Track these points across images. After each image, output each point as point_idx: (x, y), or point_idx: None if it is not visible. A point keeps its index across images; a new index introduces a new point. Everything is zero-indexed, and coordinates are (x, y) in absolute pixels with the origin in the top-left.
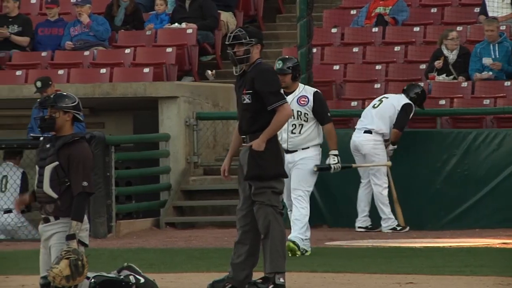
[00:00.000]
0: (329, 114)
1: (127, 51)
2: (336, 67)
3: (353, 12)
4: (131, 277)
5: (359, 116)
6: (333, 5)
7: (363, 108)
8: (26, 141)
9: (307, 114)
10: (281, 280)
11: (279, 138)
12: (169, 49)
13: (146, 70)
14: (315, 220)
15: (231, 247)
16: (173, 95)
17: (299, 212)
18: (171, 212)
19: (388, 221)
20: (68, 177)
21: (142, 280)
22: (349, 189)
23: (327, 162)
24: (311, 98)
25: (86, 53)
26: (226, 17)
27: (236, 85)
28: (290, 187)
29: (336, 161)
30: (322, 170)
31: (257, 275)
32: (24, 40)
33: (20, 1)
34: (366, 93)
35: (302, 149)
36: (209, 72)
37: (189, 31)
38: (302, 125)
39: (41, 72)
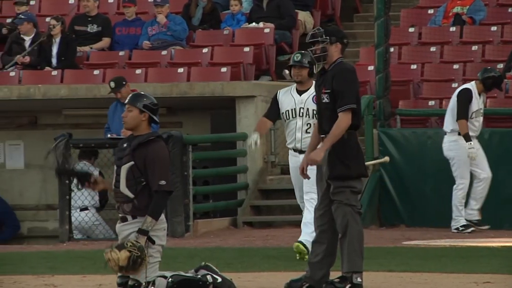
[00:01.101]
0: None
1: (205, 50)
2: (414, 67)
3: (430, 11)
4: (209, 277)
5: (436, 115)
6: (411, 4)
7: (441, 107)
8: (104, 140)
9: None
10: (359, 279)
11: (293, 138)
12: (246, 49)
13: (223, 69)
14: (392, 219)
15: None
16: (250, 94)
17: (311, 215)
18: (248, 211)
19: (457, 221)
20: (144, 177)
21: (219, 279)
22: (426, 188)
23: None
24: None
25: (164, 52)
26: (303, 16)
27: (316, 84)
28: (302, 188)
29: None
30: None
31: (334, 274)
32: (104, 44)
33: (99, 0)
34: (443, 93)
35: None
36: (287, 71)
37: (267, 30)
38: None
39: (118, 72)
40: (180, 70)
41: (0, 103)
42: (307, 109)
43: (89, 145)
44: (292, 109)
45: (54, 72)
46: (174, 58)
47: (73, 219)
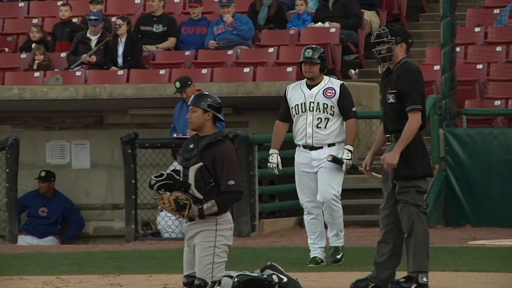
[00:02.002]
0: (354, 109)
1: (271, 50)
2: (479, 66)
3: (496, 11)
4: (274, 276)
5: (502, 115)
6: (477, 4)
7: (506, 107)
8: (169, 140)
9: (333, 107)
10: (424, 279)
11: (303, 134)
12: None
13: (289, 69)
14: (458, 219)
15: (374, 246)
16: None
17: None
18: None
19: None
20: (213, 178)
21: (285, 279)
22: (492, 188)
23: (340, 155)
24: (337, 90)
25: (230, 52)
26: (369, 16)
27: (381, 84)
28: (309, 186)
29: (350, 157)
30: (335, 161)
31: (400, 274)
32: (170, 43)
33: (164, 0)
34: (509, 92)
35: (328, 145)
36: (352, 71)
37: (332, 30)
38: (328, 119)
39: (184, 71)
40: (246, 69)
41: (66, 103)
42: (318, 103)
43: (155, 145)
44: (302, 104)
45: (120, 72)
46: (240, 57)
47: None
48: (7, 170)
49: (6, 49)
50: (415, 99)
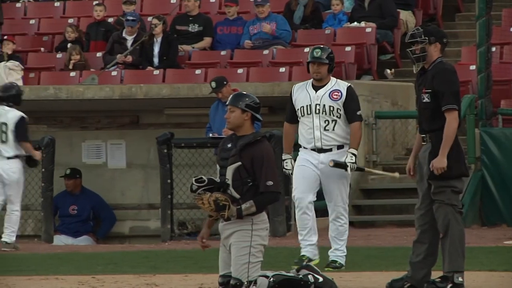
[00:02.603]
0: (359, 113)
1: (306, 50)
2: None
3: None
4: (310, 276)
5: None
6: None
7: None
8: (205, 140)
9: (340, 110)
10: (460, 279)
11: (311, 137)
12: (348, 48)
13: None
14: (494, 219)
15: (410, 246)
16: None
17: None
18: (350, 211)
19: None
20: (251, 178)
21: (321, 279)
22: None
23: (343, 159)
24: (344, 92)
25: (265, 52)
26: (405, 16)
27: (416, 83)
28: (308, 178)
29: (353, 160)
30: (338, 166)
31: (435, 274)
32: (206, 43)
33: (200, 0)
34: None
35: (338, 147)
36: (388, 71)
37: (368, 30)
38: (336, 121)
39: (220, 71)
40: (282, 69)
41: (102, 103)
42: (323, 105)
43: (191, 144)
44: (307, 106)
45: (156, 72)
46: (275, 57)
47: None
48: (43, 170)
49: (42, 49)
50: (450, 99)
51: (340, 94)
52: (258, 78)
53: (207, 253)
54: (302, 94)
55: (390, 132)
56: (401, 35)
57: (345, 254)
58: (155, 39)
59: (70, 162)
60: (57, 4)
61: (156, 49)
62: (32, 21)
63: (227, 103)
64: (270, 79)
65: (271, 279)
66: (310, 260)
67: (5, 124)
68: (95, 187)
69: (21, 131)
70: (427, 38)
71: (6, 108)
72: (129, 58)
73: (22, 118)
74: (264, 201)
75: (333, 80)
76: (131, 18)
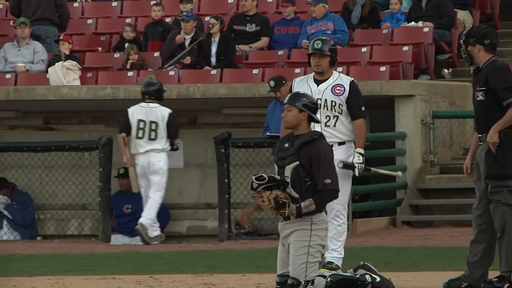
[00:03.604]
0: (363, 109)
1: (364, 49)
2: None
3: None
4: (367, 276)
5: None
6: None
7: None
8: (263, 139)
9: (342, 106)
10: None
11: None
12: (405, 48)
13: (382, 68)
14: None
15: (467, 246)
16: (409, 93)
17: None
18: (408, 210)
19: None
20: (309, 177)
21: (378, 279)
22: None
23: (350, 159)
24: (347, 87)
25: None
26: (462, 15)
27: (472, 82)
28: None
29: (361, 161)
30: (346, 167)
31: (492, 274)
32: (263, 43)
33: (257, 0)
34: None
35: (339, 144)
36: (446, 70)
37: (426, 29)
38: (337, 117)
39: (277, 71)
40: (339, 69)
41: None
42: (325, 100)
43: (248, 144)
44: None
45: (213, 71)
46: None
47: None
48: (100, 169)
49: (100, 49)
50: (508, 93)
51: (343, 89)
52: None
53: (265, 252)
54: (303, 88)
55: (447, 132)
56: (458, 35)
57: (342, 256)
58: (212, 39)
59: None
60: (114, 4)
61: (214, 49)
62: (89, 21)
63: (284, 101)
64: None
65: (329, 279)
66: (338, 267)
67: (155, 122)
68: None
69: (174, 129)
70: (468, 40)
71: (151, 105)
72: (188, 60)
73: (171, 115)
74: (323, 199)
75: (335, 74)
76: (185, 13)
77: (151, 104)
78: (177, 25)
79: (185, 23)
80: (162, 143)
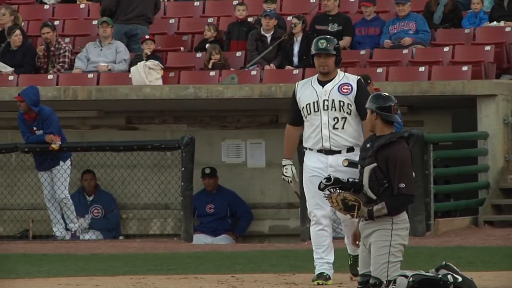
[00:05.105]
0: None
1: (446, 49)
2: None
3: None
4: (449, 276)
5: None
6: None
7: None
8: None
9: (350, 105)
10: None
11: (319, 136)
12: (487, 47)
13: (464, 68)
14: None
15: None
16: (491, 93)
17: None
18: (490, 210)
19: None
20: (387, 179)
21: (460, 279)
22: None
23: (357, 158)
24: (354, 86)
25: (405, 51)
26: None
27: None
28: (316, 196)
29: None
30: (351, 166)
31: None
32: (345, 43)
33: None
34: None
35: (347, 150)
36: None
37: (508, 29)
38: (345, 118)
39: (359, 71)
40: (421, 69)
41: (242, 102)
42: (332, 100)
43: None
44: (314, 102)
45: (296, 71)
46: (415, 56)
47: None
48: (183, 169)
49: (182, 48)
50: None
51: (350, 87)
52: (397, 77)
53: (346, 252)
54: (308, 91)
55: None
56: None
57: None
58: (294, 39)
59: (210, 161)
60: (196, 3)
61: (296, 49)
62: (171, 21)
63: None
64: (410, 79)
65: (411, 278)
66: (329, 277)
67: None
68: (235, 186)
69: None
70: None
71: None
72: (273, 67)
73: None
74: (396, 204)
75: (340, 73)
76: (268, 10)
77: None
78: (259, 24)
79: (267, 20)
80: None
